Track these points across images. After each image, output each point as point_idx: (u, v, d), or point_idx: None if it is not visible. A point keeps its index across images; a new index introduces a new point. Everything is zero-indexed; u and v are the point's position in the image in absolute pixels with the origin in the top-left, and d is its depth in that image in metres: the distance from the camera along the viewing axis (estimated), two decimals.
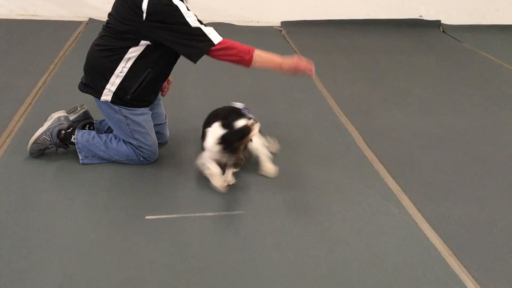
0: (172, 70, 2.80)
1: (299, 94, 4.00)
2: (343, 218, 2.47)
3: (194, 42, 2.47)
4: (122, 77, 2.57)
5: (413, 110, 3.82)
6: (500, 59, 5.21)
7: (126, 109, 2.66)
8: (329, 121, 3.55)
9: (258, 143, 2.77)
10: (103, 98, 2.63)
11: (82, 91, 2.73)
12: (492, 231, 2.45)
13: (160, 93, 2.95)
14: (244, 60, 2.50)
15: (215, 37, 2.49)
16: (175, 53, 2.61)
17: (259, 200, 2.56)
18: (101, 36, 2.62)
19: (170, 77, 2.95)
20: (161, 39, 2.47)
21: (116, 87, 2.59)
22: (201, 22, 2.50)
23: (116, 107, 2.65)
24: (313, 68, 2.58)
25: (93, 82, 2.66)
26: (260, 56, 2.53)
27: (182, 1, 2.47)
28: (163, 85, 2.94)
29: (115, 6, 2.56)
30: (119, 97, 2.61)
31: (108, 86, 2.60)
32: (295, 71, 2.58)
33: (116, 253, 2.13)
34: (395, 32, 5.99)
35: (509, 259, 2.26)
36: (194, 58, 2.51)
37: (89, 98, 3.19)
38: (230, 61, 2.52)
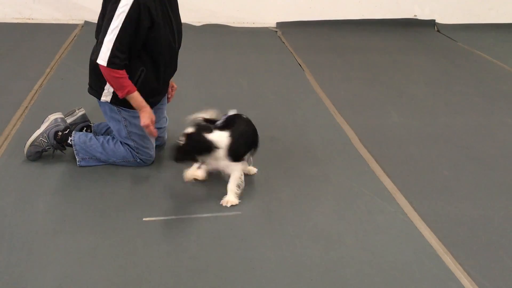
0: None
1: (295, 94, 4.02)
2: (339, 218, 2.49)
3: (100, 45, 2.46)
4: None
5: (408, 109, 3.85)
6: (494, 57, 5.24)
7: (126, 110, 2.68)
8: (324, 121, 3.57)
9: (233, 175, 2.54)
10: (103, 98, 2.66)
11: (89, 93, 2.76)
12: (486, 228, 2.47)
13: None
14: (117, 92, 2.57)
15: (104, 58, 2.43)
16: (168, 51, 2.63)
17: (256, 201, 2.58)
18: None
19: (174, 84, 2.96)
20: None
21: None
22: (124, 40, 2.42)
23: (116, 108, 2.67)
24: (149, 127, 2.63)
25: (94, 83, 2.69)
26: (131, 97, 2.58)
27: (140, 7, 2.40)
28: (168, 91, 2.93)
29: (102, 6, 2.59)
30: (117, 98, 2.63)
31: (106, 86, 2.63)
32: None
33: (114, 255, 2.15)
34: (390, 32, 6.02)
35: (503, 255, 2.28)
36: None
37: (86, 101, 3.21)
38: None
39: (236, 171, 2.53)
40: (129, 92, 2.54)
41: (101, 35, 2.46)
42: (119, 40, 2.42)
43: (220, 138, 2.46)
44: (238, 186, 2.55)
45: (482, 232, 2.44)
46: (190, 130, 2.46)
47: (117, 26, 2.40)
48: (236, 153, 2.50)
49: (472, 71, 4.84)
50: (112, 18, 2.40)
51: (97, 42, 2.58)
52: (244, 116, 2.67)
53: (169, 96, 2.96)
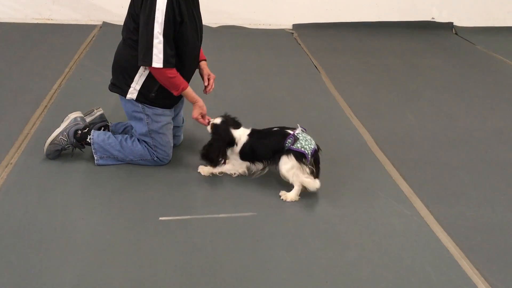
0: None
1: (311, 96, 4.02)
2: (355, 220, 2.48)
3: (143, 48, 2.50)
4: (146, 76, 2.66)
5: (425, 112, 3.82)
6: None
7: (149, 107, 2.72)
8: (340, 123, 3.56)
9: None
10: (128, 96, 2.70)
11: (111, 91, 2.81)
12: (504, 233, 2.44)
13: (203, 91, 2.92)
14: (173, 91, 2.67)
15: (159, 61, 2.49)
16: (194, 49, 2.68)
17: (271, 202, 2.59)
18: (128, 37, 2.67)
19: (211, 73, 2.93)
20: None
21: (140, 85, 2.67)
22: (168, 39, 2.48)
23: (140, 106, 2.72)
24: (199, 119, 2.79)
25: (119, 81, 2.74)
26: (186, 93, 2.70)
27: (174, 9, 2.45)
28: (205, 80, 2.91)
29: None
30: (143, 95, 2.69)
31: (133, 84, 2.68)
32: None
33: (131, 254, 2.17)
34: (407, 34, 5.98)
35: None
36: (139, 61, 2.57)
37: (104, 101, 3.26)
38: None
39: (235, 162, 2.74)
40: (183, 89, 2.65)
41: (146, 38, 2.48)
42: (166, 38, 2.48)
43: (241, 137, 2.70)
44: (231, 175, 2.78)
45: (500, 238, 2.41)
46: (218, 121, 2.70)
47: (160, 26, 2.45)
48: (244, 153, 2.71)
49: (491, 75, 4.78)
50: (153, 20, 2.44)
51: (123, 39, 2.66)
52: (285, 131, 2.68)
53: (208, 86, 2.90)
